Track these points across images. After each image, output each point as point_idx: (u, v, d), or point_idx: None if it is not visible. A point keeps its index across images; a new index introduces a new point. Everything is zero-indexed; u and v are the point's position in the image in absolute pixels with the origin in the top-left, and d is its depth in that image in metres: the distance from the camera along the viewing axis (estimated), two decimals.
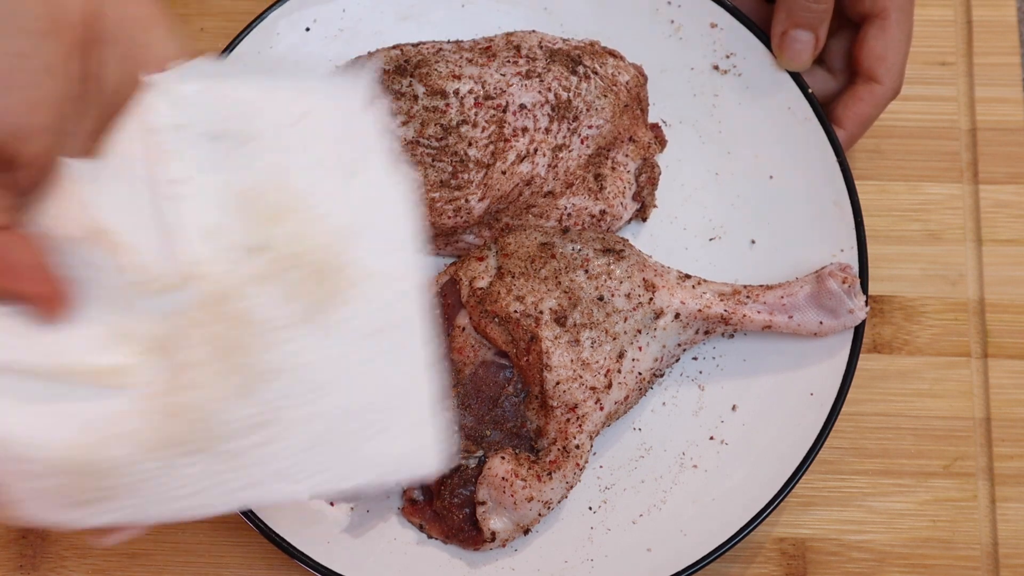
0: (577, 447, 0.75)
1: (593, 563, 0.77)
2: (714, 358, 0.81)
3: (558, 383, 0.75)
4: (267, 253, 0.58)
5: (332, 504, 0.77)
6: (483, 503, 0.75)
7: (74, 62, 0.60)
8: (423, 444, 0.61)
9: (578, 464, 0.75)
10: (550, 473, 0.75)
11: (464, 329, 0.77)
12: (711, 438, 0.80)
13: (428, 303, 0.60)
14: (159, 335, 0.58)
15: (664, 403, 0.81)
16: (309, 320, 0.58)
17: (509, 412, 0.76)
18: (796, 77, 0.84)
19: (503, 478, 0.74)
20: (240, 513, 0.75)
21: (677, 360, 0.80)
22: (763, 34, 0.84)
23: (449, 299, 0.78)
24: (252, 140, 0.59)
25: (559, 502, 0.76)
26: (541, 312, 0.75)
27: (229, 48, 0.83)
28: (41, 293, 0.58)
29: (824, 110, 0.83)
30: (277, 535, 0.75)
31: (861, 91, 0.82)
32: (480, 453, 0.76)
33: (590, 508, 0.78)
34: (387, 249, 0.60)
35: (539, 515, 0.75)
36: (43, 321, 0.58)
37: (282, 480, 0.58)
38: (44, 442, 0.57)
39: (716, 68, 0.86)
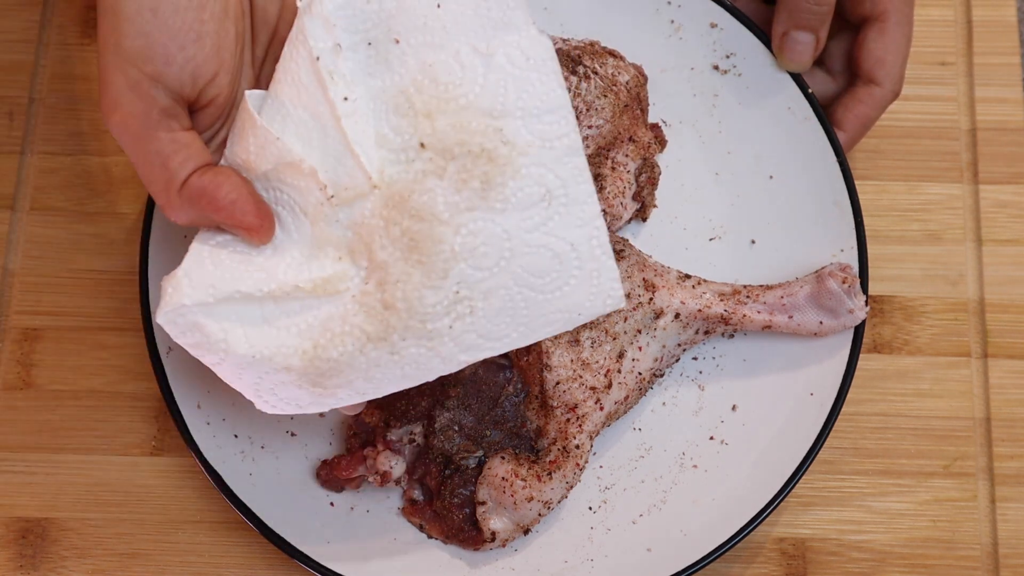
0: (577, 447, 0.75)
1: (593, 563, 0.77)
2: (714, 358, 0.81)
3: (558, 383, 0.75)
4: (432, 148, 0.65)
5: (332, 504, 0.77)
6: (483, 503, 0.75)
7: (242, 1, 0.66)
8: (600, 288, 0.67)
9: (578, 464, 0.75)
10: (550, 473, 0.75)
11: None
12: (711, 438, 0.80)
13: (582, 157, 0.65)
14: (355, 241, 0.65)
15: (664, 403, 0.81)
16: (481, 202, 0.64)
17: (509, 412, 0.76)
18: (796, 77, 0.84)
19: (503, 478, 0.74)
20: (240, 513, 0.75)
21: (677, 360, 0.80)
22: (763, 34, 0.84)
23: None
24: (397, 41, 0.65)
25: (559, 502, 0.76)
26: None
27: None
28: (250, 224, 0.65)
29: (824, 112, 0.83)
30: (277, 535, 0.75)
31: (861, 93, 0.82)
32: (480, 453, 0.76)
33: (590, 508, 0.78)
34: (537, 115, 0.65)
35: (539, 515, 0.75)
36: (254, 247, 0.66)
37: (485, 340, 0.66)
38: (285, 353, 0.65)
39: (716, 68, 0.86)
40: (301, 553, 0.74)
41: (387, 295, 0.65)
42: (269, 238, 0.66)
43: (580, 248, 0.66)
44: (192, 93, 0.65)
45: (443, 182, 0.64)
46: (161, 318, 0.66)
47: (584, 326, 0.75)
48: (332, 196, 0.65)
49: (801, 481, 0.77)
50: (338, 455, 0.77)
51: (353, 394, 0.67)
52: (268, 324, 0.66)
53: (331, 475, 0.76)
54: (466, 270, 0.64)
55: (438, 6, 0.65)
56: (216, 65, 0.65)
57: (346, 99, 0.65)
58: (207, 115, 0.67)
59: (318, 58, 0.65)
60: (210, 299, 0.65)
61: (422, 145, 0.65)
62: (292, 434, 0.79)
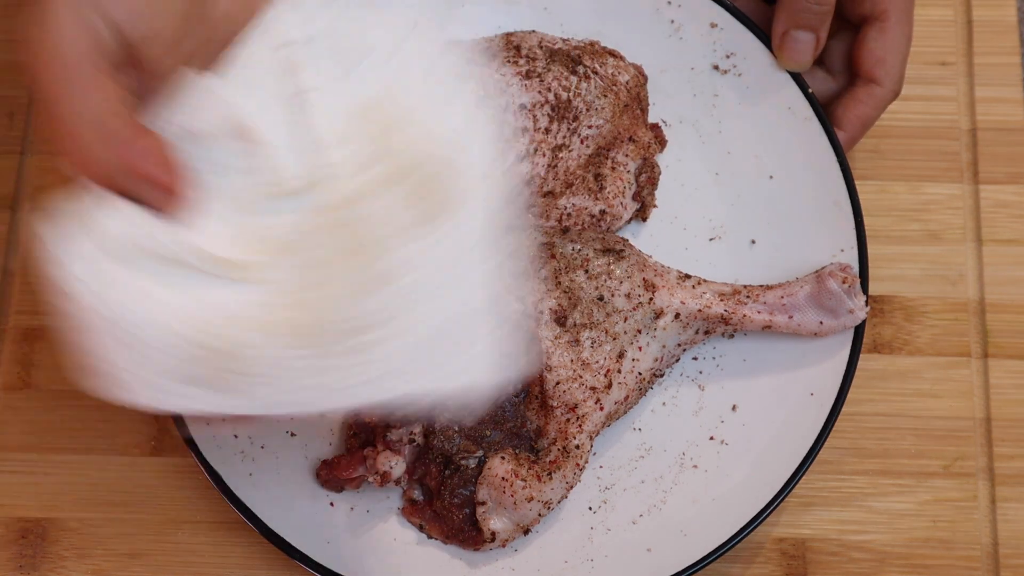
0: (577, 447, 0.75)
1: (593, 563, 0.77)
2: (714, 358, 0.81)
3: (558, 383, 0.75)
4: (387, 161, 0.61)
5: (332, 504, 0.77)
6: (483, 503, 0.75)
7: None
8: (496, 356, 0.63)
9: (578, 464, 0.75)
10: (550, 473, 0.75)
11: None
12: (711, 438, 0.80)
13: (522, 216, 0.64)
14: (287, 234, 0.61)
15: (664, 403, 0.81)
16: (424, 226, 0.61)
17: (509, 412, 0.76)
18: (796, 77, 0.84)
19: (503, 478, 0.74)
20: (240, 513, 0.75)
21: (677, 360, 0.80)
22: (763, 34, 0.84)
23: None
24: (369, 53, 0.63)
25: (559, 502, 0.76)
26: (541, 312, 0.75)
27: None
28: (165, 182, 0.59)
29: (824, 111, 0.83)
30: (277, 535, 0.75)
31: (861, 93, 0.82)
32: (480, 453, 0.76)
33: (590, 508, 0.78)
34: (489, 162, 0.63)
35: (539, 515, 0.75)
36: (165, 213, 0.59)
37: (396, 378, 0.61)
38: (163, 317, 0.58)
39: (716, 68, 0.86)
40: (301, 553, 0.74)
41: (304, 296, 0.60)
42: (181, 206, 0.60)
43: (497, 306, 0.63)
44: (126, 46, 0.60)
45: (392, 196, 0.61)
46: (56, 246, 0.58)
47: (584, 326, 0.75)
48: (274, 182, 0.61)
49: (801, 481, 0.77)
50: (338, 455, 0.77)
51: (233, 399, 0.60)
52: (176, 290, 0.59)
53: (331, 475, 0.76)
54: (397, 291, 0.60)
55: (415, 26, 0.64)
56: (151, 25, 0.60)
57: (309, 90, 0.62)
58: (140, 80, 0.61)
59: (285, 44, 0.62)
60: (120, 240, 0.59)
61: (380, 156, 0.62)
62: (292, 434, 0.79)
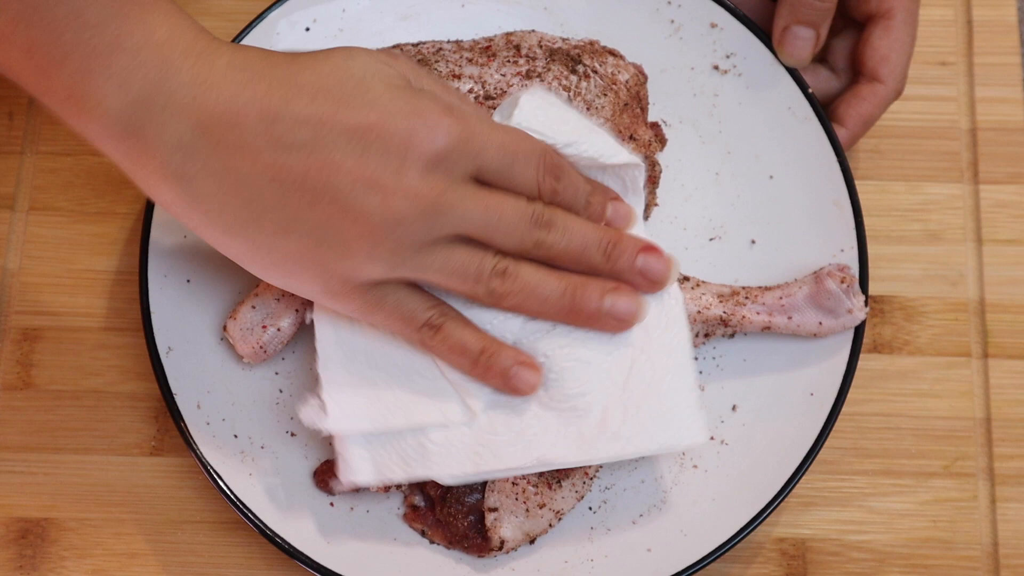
0: None
1: (593, 563, 0.77)
2: (714, 358, 0.81)
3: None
4: None
5: (332, 504, 0.77)
6: (494, 510, 0.74)
7: None
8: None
9: (587, 473, 0.75)
10: (559, 481, 0.75)
11: None
12: (711, 438, 0.80)
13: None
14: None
15: None
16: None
17: None
18: (796, 77, 0.84)
19: (513, 483, 0.74)
20: (240, 513, 0.75)
21: None
22: (763, 34, 0.84)
23: None
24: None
25: (568, 512, 0.76)
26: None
27: None
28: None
29: (826, 109, 0.83)
30: (277, 535, 0.75)
31: (864, 91, 0.82)
32: None
33: (590, 508, 0.78)
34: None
35: (549, 525, 0.75)
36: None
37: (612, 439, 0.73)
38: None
39: (716, 68, 0.86)
40: (301, 553, 0.74)
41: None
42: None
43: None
44: None
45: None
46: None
47: None
48: None
49: (801, 481, 0.77)
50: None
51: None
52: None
53: (331, 477, 0.76)
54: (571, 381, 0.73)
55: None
56: None
57: None
58: None
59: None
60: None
61: None
62: (292, 434, 0.79)
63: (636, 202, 0.77)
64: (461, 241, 0.68)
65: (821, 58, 0.85)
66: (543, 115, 0.73)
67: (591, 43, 0.83)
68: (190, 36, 0.65)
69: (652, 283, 0.73)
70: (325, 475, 0.77)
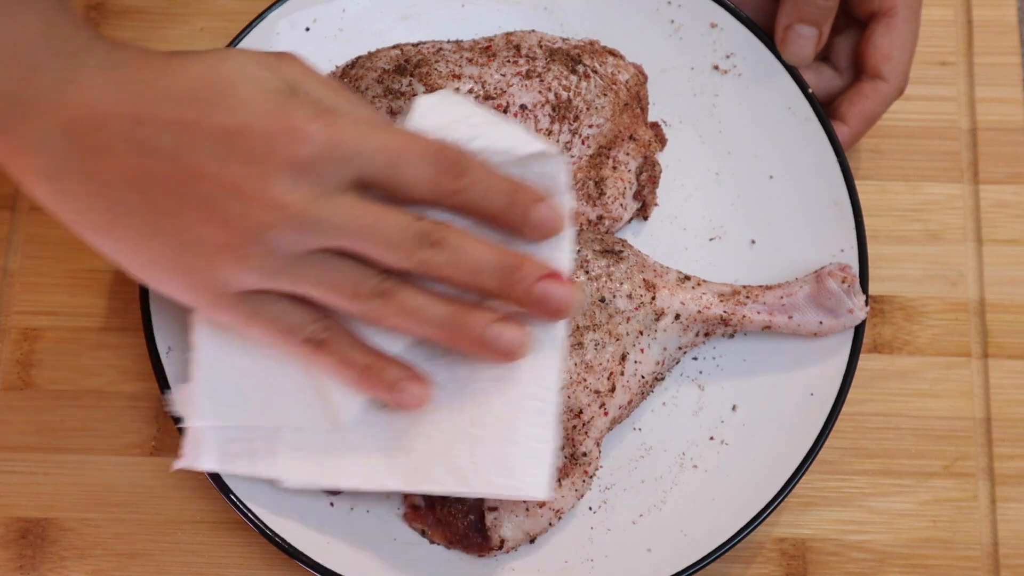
0: (585, 454, 0.75)
1: (593, 563, 0.77)
2: (714, 358, 0.81)
3: (562, 388, 0.74)
4: None
5: (332, 504, 0.77)
6: (494, 509, 0.74)
7: None
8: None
9: (587, 471, 0.75)
10: (559, 480, 0.75)
11: None
12: (711, 438, 0.80)
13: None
14: None
15: (664, 403, 0.81)
16: None
17: None
18: (796, 77, 0.84)
19: None
20: (240, 513, 0.75)
21: (677, 363, 0.80)
22: (763, 34, 0.84)
23: None
24: None
25: (568, 511, 0.76)
26: None
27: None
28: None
29: (828, 107, 0.83)
30: (277, 535, 0.74)
31: (866, 89, 0.82)
32: None
33: (590, 508, 0.78)
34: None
35: (549, 524, 0.75)
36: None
37: (446, 470, 0.70)
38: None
39: (716, 68, 0.86)
40: (301, 553, 0.74)
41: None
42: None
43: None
44: None
45: None
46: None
47: (587, 328, 0.75)
48: None
49: (801, 481, 0.77)
50: None
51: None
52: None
53: None
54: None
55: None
56: None
57: None
58: None
59: None
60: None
61: None
62: None
63: (562, 201, 0.70)
64: (340, 255, 0.64)
65: (824, 56, 0.85)
66: (442, 113, 0.68)
67: (591, 43, 0.83)
68: (64, 33, 0.63)
69: (550, 312, 0.68)
70: None
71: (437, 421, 0.70)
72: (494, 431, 0.70)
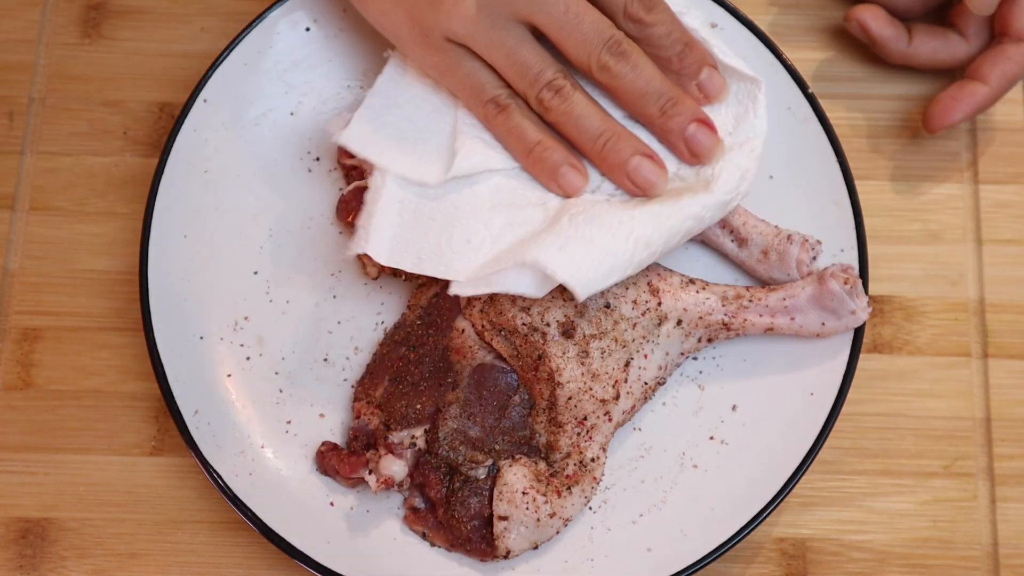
0: (592, 460, 0.75)
1: (593, 563, 0.77)
2: (714, 358, 0.81)
3: (569, 398, 0.74)
4: None
5: (332, 504, 0.77)
6: (505, 518, 0.74)
7: None
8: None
9: (595, 478, 0.75)
10: (569, 488, 0.75)
11: (464, 331, 0.77)
12: (711, 438, 0.80)
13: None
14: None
15: (664, 403, 0.81)
16: None
17: (518, 423, 0.76)
18: (796, 77, 0.84)
19: (523, 492, 0.74)
20: (240, 513, 0.75)
21: (679, 367, 0.80)
22: (763, 34, 0.84)
23: (447, 303, 0.78)
24: None
25: (575, 517, 0.76)
26: (548, 324, 0.75)
27: (229, 48, 0.83)
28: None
29: (952, 73, 0.84)
30: (277, 535, 0.75)
31: (1010, 51, 0.83)
32: (489, 463, 0.76)
33: (590, 508, 0.78)
34: None
35: (556, 531, 0.75)
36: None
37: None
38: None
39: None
40: (301, 553, 0.74)
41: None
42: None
43: None
44: None
45: None
46: None
47: (593, 336, 0.75)
48: None
49: (801, 481, 0.77)
50: (345, 451, 0.77)
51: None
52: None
53: (331, 465, 0.76)
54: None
55: None
56: None
57: None
58: None
59: None
60: None
61: None
62: (293, 434, 0.79)
63: (758, 122, 0.78)
64: (535, 37, 0.74)
65: (950, 24, 0.86)
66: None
67: None
68: None
69: (693, 155, 0.76)
70: (326, 456, 0.77)
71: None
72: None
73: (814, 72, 0.90)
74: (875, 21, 0.86)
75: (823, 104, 0.84)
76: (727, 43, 0.83)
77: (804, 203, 0.83)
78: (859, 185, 0.83)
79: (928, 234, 0.87)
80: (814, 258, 0.79)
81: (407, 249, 0.76)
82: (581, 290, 0.72)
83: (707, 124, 0.77)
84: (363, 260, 0.80)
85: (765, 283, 0.81)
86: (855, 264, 0.80)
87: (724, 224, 0.79)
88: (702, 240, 0.81)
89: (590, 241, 0.73)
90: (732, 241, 0.80)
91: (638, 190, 0.77)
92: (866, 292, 0.79)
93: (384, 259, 0.76)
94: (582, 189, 0.77)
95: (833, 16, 0.91)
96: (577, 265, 0.72)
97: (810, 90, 0.83)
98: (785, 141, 0.84)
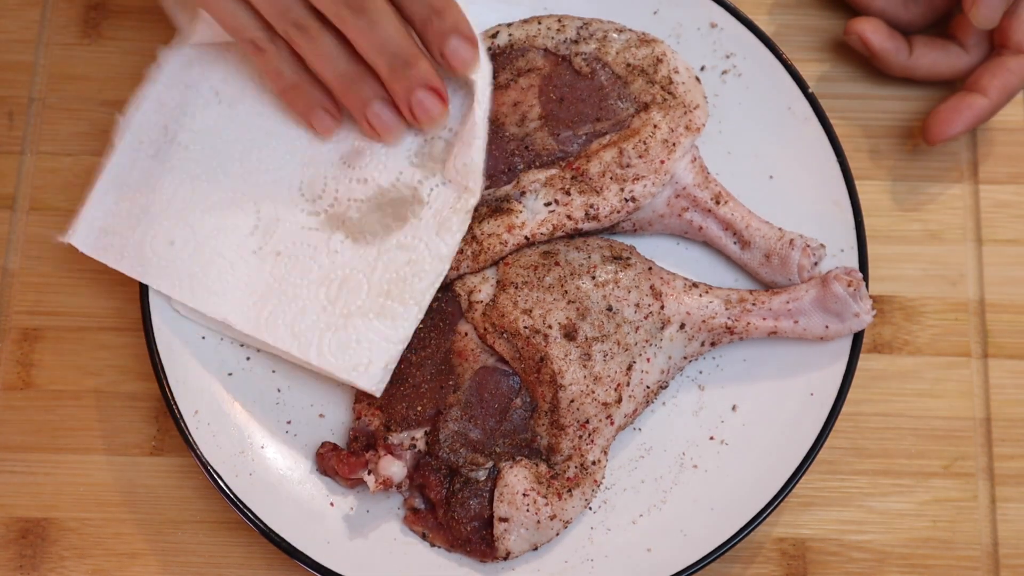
0: (594, 463, 0.75)
1: (593, 563, 0.77)
2: (714, 358, 0.81)
3: (572, 401, 0.74)
4: None
5: (332, 504, 0.77)
6: (505, 520, 0.74)
7: None
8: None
9: (596, 480, 0.75)
10: (570, 491, 0.75)
11: (466, 335, 0.77)
12: (711, 438, 0.80)
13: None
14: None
15: (664, 403, 0.81)
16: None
17: (519, 425, 0.76)
18: (796, 77, 0.84)
19: (523, 494, 0.74)
20: (240, 513, 0.75)
21: (681, 371, 0.80)
22: (763, 34, 0.84)
23: (449, 307, 0.78)
24: None
25: (574, 518, 0.76)
26: (550, 327, 0.75)
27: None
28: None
29: (951, 85, 0.84)
30: (277, 535, 0.75)
31: (1010, 63, 0.84)
32: (490, 464, 0.76)
33: (590, 508, 0.78)
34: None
35: (556, 533, 0.75)
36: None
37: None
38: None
39: (716, 68, 0.86)
40: (301, 553, 0.74)
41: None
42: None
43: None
44: None
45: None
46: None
47: (595, 339, 0.75)
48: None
49: (801, 481, 0.77)
50: (345, 451, 0.77)
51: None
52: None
53: (330, 465, 0.76)
54: None
55: None
56: None
57: None
58: None
59: None
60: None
61: None
62: (293, 434, 0.79)
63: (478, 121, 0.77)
64: None
65: (951, 35, 0.86)
66: None
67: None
68: None
69: (415, 119, 0.76)
70: (326, 457, 0.77)
71: (309, 275, 0.76)
72: (359, 307, 0.75)
73: (814, 72, 0.90)
74: (875, 35, 0.86)
75: (823, 104, 0.84)
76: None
77: (804, 203, 0.83)
78: (859, 185, 0.83)
79: (928, 234, 0.87)
80: (816, 263, 0.79)
81: (112, 243, 0.78)
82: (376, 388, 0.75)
83: (435, 91, 0.76)
84: None
85: (768, 286, 0.81)
86: (855, 264, 0.80)
87: (727, 226, 0.79)
88: (705, 241, 0.81)
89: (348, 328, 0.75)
90: (735, 243, 0.80)
91: (375, 133, 0.78)
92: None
93: (88, 250, 0.78)
94: (334, 130, 0.79)
95: (833, 16, 0.91)
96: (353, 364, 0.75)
97: (810, 90, 0.83)
98: (785, 141, 0.84)
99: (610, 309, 0.76)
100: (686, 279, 0.79)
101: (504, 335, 0.76)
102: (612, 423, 0.76)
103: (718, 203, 0.79)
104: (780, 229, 0.80)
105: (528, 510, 0.74)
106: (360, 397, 0.78)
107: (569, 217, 0.78)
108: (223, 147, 0.80)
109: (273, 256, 0.77)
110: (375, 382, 0.75)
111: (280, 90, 0.79)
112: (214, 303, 0.76)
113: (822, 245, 0.79)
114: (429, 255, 0.76)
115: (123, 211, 0.78)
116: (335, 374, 0.75)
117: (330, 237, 0.77)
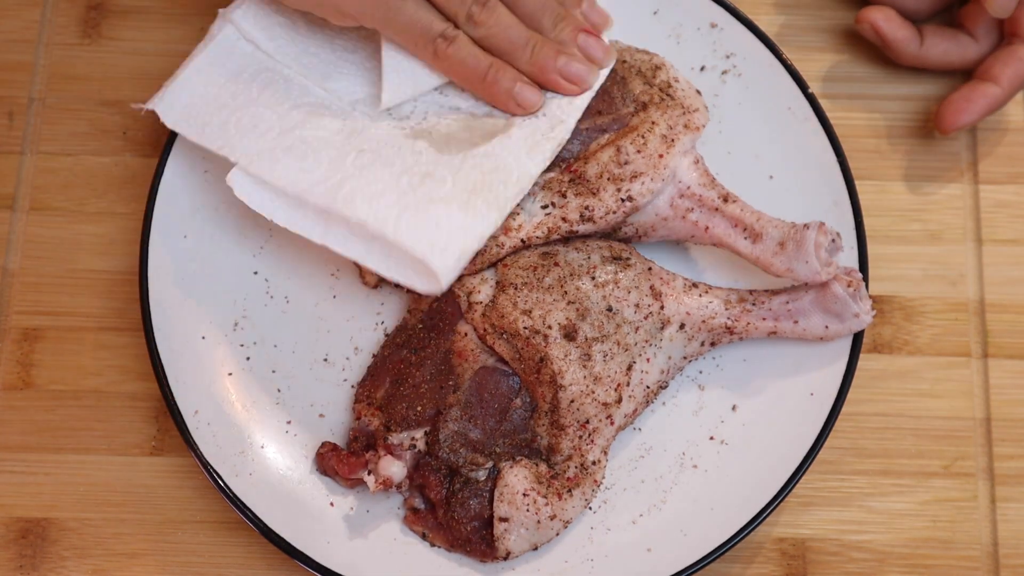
0: (594, 463, 0.75)
1: (593, 563, 0.77)
2: (714, 358, 0.81)
3: (572, 401, 0.74)
4: None
5: (332, 504, 0.77)
6: (505, 520, 0.74)
7: None
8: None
9: (596, 481, 0.75)
10: (570, 491, 0.75)
11: (466, 335, 0.77)
12: (711, 438, 0.80)
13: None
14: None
15: (664, 403, 0.81)
16: None
17: (519, 425, 0.76)
18: (796, 77, 0.84)
19: (524, 494, 0.74)
20: (240, 513, 0.75)
21: (681, 371, 0.80)
22: (763, 34, 0.84)
23: (448, 307, 0.78)
24: None
25: (574, 518, 0.76)
26: (550, 327, 0.75)
27: None
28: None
29: (962, 74, 0.84)
30: (277, 535, 0.75)
31: (1022, 52, 0.84)
32: (490, 465, 0.76)
33: (590, 508, 0.78)
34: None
35: (556, 533, 0.75)
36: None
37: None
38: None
39: (716, 68, 0.86)
40: (301, 553, 0.74)
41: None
42: None
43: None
44: None
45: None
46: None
47: (595, 339, 0.75)
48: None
49: (801, 481, 0.77)
50: (345, 451, 0.77)
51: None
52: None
53: (330, 466, 0.76)
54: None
55: None
56: None
57: None
58: None
59: None
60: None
61: None
62: (293, 434, 0.79)
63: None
64: None
65: (960, 25, 0.86)
66: None
67: None
68: None
69: (594, 61, 0.79)
70: (326, 457, 0.77)
71: (392, 167, 0.76)
72: (443, 196, 0.75)
73: (814, 72, 0.90)
74: (888, 23, 0.86)
75: (823, 104, 0.84)
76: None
77: (804, 203, 0.83)
78: (859, 185, 0.83)
79: (928, 234, 0.87)
80: (832, 240, 0.77)
81: (196, 118, 0.78)
82: (444, 278, 0.74)
83: (593, 34, 0.79)
84: (361, 268, 0.80)
85: (781, 277, 0.79)
86: (855, 264, 0.80)
87: (736, 223, 0.79)
88: (711, 242, 0.80)
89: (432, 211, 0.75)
90: (746, 238, 0.78)
91: (571, 87, 0.79)
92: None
93: (170, 122, 0.78)
94: (539, 103, 0.79)
95: (833, 16, 0.91)
96: (430, 243, 0.74)
97: (810, 90, 0.83)
98: (785, 141, 0.84)
99: (610, 309, 0.76)
100: (686, 279, 0.79)
101: (504, 336, 0.76)
102: (612, 423, 0.76)
103: (726, 201, 0.78)
104: (792, 221, 0.80)
105: (528, 510, 0.74)
106: (360, 397, 0.78)
107: (564, 219, 0.78)
108: (318, 66, 0.81)
109: (356, 152, 0.77)
110: (447, 267, 0.73)
111: (478, 79, 0.78)
112: (293, 178, 0.75)
113: (839, 234, 0.78)
114: (517, 168, 0.76)
115: (211, 95, 0.79)
116: (411, 250, 0.73)
117: (415, 142, 0.77)
